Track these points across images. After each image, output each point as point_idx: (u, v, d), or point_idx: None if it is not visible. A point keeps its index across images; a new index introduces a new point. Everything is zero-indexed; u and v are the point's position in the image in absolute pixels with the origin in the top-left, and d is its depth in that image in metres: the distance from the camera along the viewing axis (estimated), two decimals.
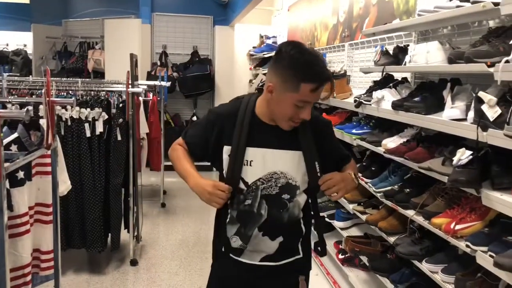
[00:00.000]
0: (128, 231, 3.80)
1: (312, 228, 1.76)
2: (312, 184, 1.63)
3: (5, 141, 2.07)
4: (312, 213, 1.76)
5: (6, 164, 1.74)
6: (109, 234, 3.70)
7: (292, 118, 1.56)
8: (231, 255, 1.68)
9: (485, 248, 1.66)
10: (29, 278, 2.26)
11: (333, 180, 1.59)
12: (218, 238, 1.74)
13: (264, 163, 1.60)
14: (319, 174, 1.62)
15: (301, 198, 1.66)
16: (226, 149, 1.63)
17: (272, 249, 1.65)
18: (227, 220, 1.66)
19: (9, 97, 2.41)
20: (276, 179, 1.61)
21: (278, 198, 1.61)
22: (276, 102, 1.55)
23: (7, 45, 8.67)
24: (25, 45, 8.57)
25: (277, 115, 1.59)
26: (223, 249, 1.70)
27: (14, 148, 2.14)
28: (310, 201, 1.71)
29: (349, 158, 1.81)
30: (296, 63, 1.48)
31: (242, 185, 1.62)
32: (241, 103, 1.66)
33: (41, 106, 3.05)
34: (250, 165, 1.61)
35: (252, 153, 1.61)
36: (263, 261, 1.66)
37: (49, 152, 2.28)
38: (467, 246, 1.72)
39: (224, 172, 1.64)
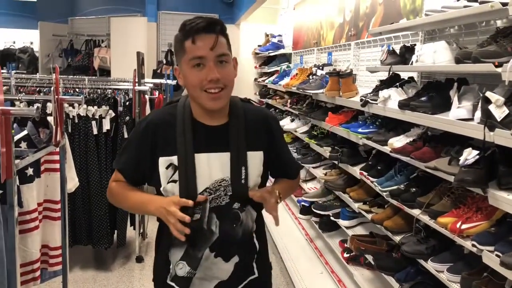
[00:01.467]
0: (134, 228, 3.82)
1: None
2: (236, 189, 1.42)
3: (15, 138, 2.10)
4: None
5: (16, 161, 1.76)
6: (115, 231, 3.73)
7: (202, 86, 1.36)
8: (175, 285, 1.45)
9: (491, 248, 1.66)
10: (38, 273, 2.29)
11: (261, 197, 1.43)
12: (159, 265, 1.52)
13: (210, 169, 1.41)
14: (243, 181, 1.41)
15: (254, 207, 1.49)
16: (163, 161, 1.42)
17: (226, 273, 1.45)
18: (171, 242, 1.44)
19: (18, 95, 2.43)
20: (225, 186, 1.42)
21: (228, 208, 1.42)
22: (184, 79, 1.41)
23: (14, 42, 8.73)
24: (31, 43, 8.62)
25: (192, 93, 1.40)
26: (167, 280, 1.48)
27: (23, 145, 2.17)
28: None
29: (295, 170, 1.67)
30: (180, 29, 1.41)
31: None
32: (176, 108, 1.47)
33: (48, 104, 3.08)
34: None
35: (196, 160, 1.41)
36: None
37: (57, 149, 2.30)
38: (473, 245, 1.73)
39: (161, 188, 1.43)
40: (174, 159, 1.41)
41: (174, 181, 1.41)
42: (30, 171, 2.17)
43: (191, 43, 1.36)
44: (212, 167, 1.41)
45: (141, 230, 4.02)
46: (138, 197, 1.50)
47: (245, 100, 1.59)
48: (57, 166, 2.41)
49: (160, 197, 1.43)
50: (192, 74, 1.37)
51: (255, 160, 1.46)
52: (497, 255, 1.60)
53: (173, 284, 1.46)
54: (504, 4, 1.64)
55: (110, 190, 1.56)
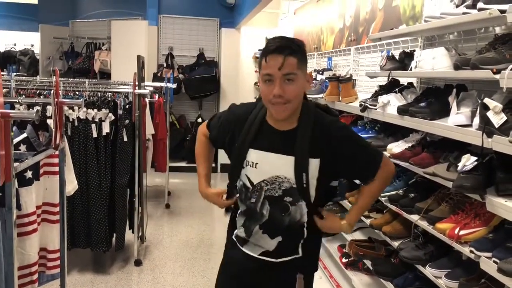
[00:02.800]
0: (133, 232, 3.82)
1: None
2: (300, 191, 1.63)
3: (15, 141, 2.10)
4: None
5: (15, 164, 1.76)
6: (114, 234, 3.72)
7: (269, 99, 1.57)
8: (237, 243, 1.78)
9: (489, 254, 1.66)
10: (35, 276, 2.29)
11: (321, 223, 1.71)
12: (231, 225, 1.83)
13: (269, 166, 1.65)
14: (304, 185, 1.61)
15: (306, 204, 1.68)
16: (233, 147, 1.72)
17: (271, 247, 1.71)
18: (239, 211, 1.76)
19: (18, 98, 2.43)
20: (280, 183, 1.64)
21: (280, 200, 1.65)
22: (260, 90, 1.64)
23: (15, 45, 8.75)
24: (32, 45, 8.64)
25: (264, 102, 1.63)
26: (233, 236, 1.80)
27: (23, 148, 2.17)
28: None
29: (374, 169, 1.68)
30: (266, 43, 1.60)
31: (248, 184, 1.69)
32: (256, 106, 1.73)
33: (48, 106, 3.08)
34: (256, 167, 1.66)
35: (257, 155, 1.66)
36: (262, 256, 1.72)
37: (57, 152, 2.30)
38: (471, 251, 1.73)
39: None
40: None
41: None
42: (29, 174, 2.17)
43: (264, 61, 1.56)
44: (272, 165, 1.65)
45: (140, 234, 4.01)
46: (200, 170, 1.91)
47: (322, 108, 1.76)
48: (56, 169, 2.41)
49: (206, 187, 1.85)
50: (263, 87, 1.59)
51: (312, 166, 1.62)
52: (494, 262, 1.60)
53: (235, 239, 1.79)
54: (503, 11, 1.65)
55: (198, 140, 1.93)
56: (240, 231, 1.75)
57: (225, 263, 1.88)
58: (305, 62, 1.61)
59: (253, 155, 1.66)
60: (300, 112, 1.66)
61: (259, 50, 7.24)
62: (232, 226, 1.82)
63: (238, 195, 1.73)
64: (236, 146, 1.70)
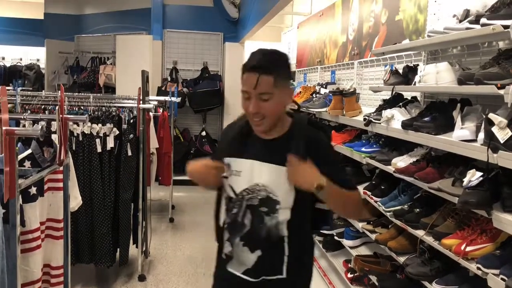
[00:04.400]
0: (137, 246, 3.80)
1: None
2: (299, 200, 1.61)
3: (19, 157, 2.10)
4: (310, 235, 1.77)
5: (20, 181, 1.77)
6: (118, 249, 3.71)
7: (247, 113, 1.60)
8: (223, 262, 1.72)
9: (496, 271, 1.64)
10: None
11: (301, 166, 1.53)
12: (218, 241, 1.78)
13: (251, 174, 1.64)
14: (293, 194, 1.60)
15: (283, 215, 1.62)
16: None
17: (250, 262, 1.64)
18: (225, 225, 1.73)
19: (24, 114, 2.44)
20: (258, 191, 1.63)
21: (257, 209, 1.63)
22: None
23: (21, 59, 8.84)
24: (38, 60, 8.73)
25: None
26: (222, 255, 1.74)
27: (27, 164, 2.17)
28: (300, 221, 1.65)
29: (349, 188, 1.65)
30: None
31: (231, 194, 1.68)
32: (242, 118, 1.74)
33: (53, 122, 3.10)
34: (239, 175, 1.65)
35: (241, 164, 1.66)
36: (244, 275, 1.66)
37: (61, 168, 2.31)
38: (478, 268, 1.71)
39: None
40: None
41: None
42: (33, 190, 2.16)
43: (242, 79, 1.57)
44: (254, 172, 1.63)
45: (144, 249, 4.00)
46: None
47: (315, 125, 1.74)
48: (61, 185, 2.41)
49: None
50: (243, 102, 1.60)
51: (281, 173, 1.59)
52: (502, 279, 1.58)
53: (224, 257, 1.73)
54: (506, 27, 1.65)
55: None
56: (226, 248, 1.71)
57: (214, 284, 1.85)
58: (285, 78, 1.60)
59: (237, 163, 1.66)
60: (291, 124, 1.66)
61: None
62: (219, 243, 1.77)
63: (225, 206, 1.72)
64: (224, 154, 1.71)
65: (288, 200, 1.62)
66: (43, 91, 5.22)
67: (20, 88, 5.56)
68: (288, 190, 1.60)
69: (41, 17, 8.73)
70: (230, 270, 1.69)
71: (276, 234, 1.63)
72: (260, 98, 1.54)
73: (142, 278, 3.74)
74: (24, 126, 3.04)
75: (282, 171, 1.58)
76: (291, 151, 1.57)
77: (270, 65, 1.54)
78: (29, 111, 3.52)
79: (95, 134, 3.45)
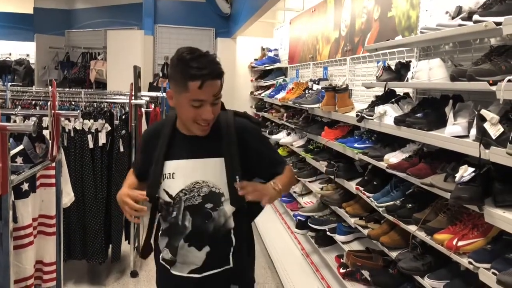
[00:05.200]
0: (129, 243, 3.80)
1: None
2: (233, 194, 1.61)
3: (11, 153, 2.08)
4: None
5: (12, 177, 1.76)
6: (110, 245, 3.70)
7: (195, 120, 1.56)
8: (165, 264, 1.71)
9: (487, 265, 1.66)
10: None
11: (252, 186, 1.55)
12: (155, 248, 1.78)
13: (186, 173, 1.63)
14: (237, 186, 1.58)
15: (228, 207, 1.65)
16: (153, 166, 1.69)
17: (199, 260, 1.65)
18: (160, 232, 1.72)
19: (15, 109, 2.43)
20: (199, 188, 1.62)
21: (201, 207, 1.62)
22: (177, 106, 1.59)
23: (10, 54, 8.75)
24: (27, 55, 8.65)
25: (183, 120, 1.61)
26: (160, 261, 1.73)
27: (19, 160, 2.16)
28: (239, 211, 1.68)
29: (281, 167, 1.75)
30: (183, 63, 1.51)
31: (167, 198, 1.65)
32: (166, 120, 1.73)
33: (45, 118, 3.07)
34: (173, 177, 1.64)
35: (173, 165, 1.64)
36: (191, 274, 1.66)
37: (53, 164, 2.29)
38: (470, 263, 1.73)
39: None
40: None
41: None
42: (25, 186, 2.15)
43: (198, 87, 1.48)
44: (188, 171, 1.62)
45: (136, 245, 3.98)
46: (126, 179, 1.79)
47: (241, 115, 1.76)
48: (53, 181, 2.40)
49: (124, 187, 1.67)
50: (189, 111, 1.54)
51: (218, 165, 1.63)
52: (493, 273, 1.60)
53: (163, 263, 1.71)
54: (498, 24, 1.66)
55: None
56: (165, 253, 1.69)
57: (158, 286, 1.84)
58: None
59: (170, 166, 1.65)
60: (218, 117, 1.64)
61: (254, 59, 7.28)
62: (156, 250, 1.76)
63: (160, 213, 1.71)
64: (153, 162, 1.66)
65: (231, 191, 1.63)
66: (33, 86, 5.15)
67: (10, 83, 5.50)
68: (227, 181, 1.61)
69: (31, 11, 8.64)
70: (175, 273, 1.69)
71: (224, 228, 1.65)
72: (214, 103, 1.54)
73: (134, 274, 3.73)
74: (15, 121, 3.02)
75: (218, 163, 1.62)
76: (224, 142, 1.62)
77: (221, 68, 1.53)
78: (19, 107, 3.48)
79: (86, 130, 3.43)
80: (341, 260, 3.23)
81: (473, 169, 1.77)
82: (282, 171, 1.74)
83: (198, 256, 1.65)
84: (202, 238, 1.64)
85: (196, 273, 1.66)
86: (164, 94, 5.37)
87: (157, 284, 1.85)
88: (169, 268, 1.69)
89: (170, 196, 1.65)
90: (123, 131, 3.60)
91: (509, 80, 1.56)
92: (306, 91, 4.14)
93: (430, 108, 2.20)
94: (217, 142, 1.63)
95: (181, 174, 1.63)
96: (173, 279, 1.69)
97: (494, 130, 1.62)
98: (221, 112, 1.67)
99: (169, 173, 1.64)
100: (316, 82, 4.11)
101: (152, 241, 1.79)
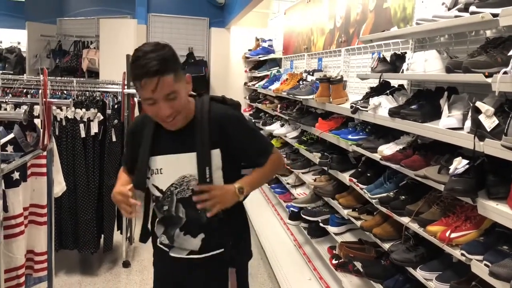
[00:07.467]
0: (121, 233, 3.78)
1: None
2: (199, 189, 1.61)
3: (1, 141, 2.06)
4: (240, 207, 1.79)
5: (2, 165, 1.73)
6: (102, 235, 3.68)
7: (157, 117, 1.58)
8: (163, 247, 1.79)
9: (480, 257, 1.67)
10: (22, 279, 2.25)
11: (209, 194, 1.58)
12: (152, 232, 1.83)
13: (174, 168, 1.67)
14: (208, 179, 1.61)
15: None
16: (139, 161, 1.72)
17: (196, 246, 1.72)
18: (157, 220, 1.79)
19: (6, 97, 2.39)
20: (187, 182, 1.66)
21: (191, 200, 1.63)
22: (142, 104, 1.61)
23: (1, 42, 8.62)
24: (19, 43, 8.51)
25: (155, 119, 1.63)
26: (158, 244, 1.82)
27: (10, 148, 2.13)
28: None
29: (262, 159, 1.75)
30: (130, 64, 1.54)
31: (157, 193, 1.71)
32: (148, 117, 1.69)
33: (36, 106, 3.04)
34: (161, 172, 1.68)
35: (160, 161, 1.68)
36: (190, 255, 1.74)
37: (44, 153, 2.26)
38: (462, 254, 1.73)
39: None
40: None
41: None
42: (16, 175, 2.13)
43: (142, 87, 1.50)
44: (177, 165, 1.65)
45: (128, 235, 3.97)
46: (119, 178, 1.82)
47: (218, 99, 1.76)
48: (44, 170, 2.37)
49: (119, 183, 1.72)
50: (147, 109, 1.56)
51: (215, 157, 1.64)
52: (486, 265, 1.61)
53: (161, 246, 1.80)
54: (495, 15, 1.65)
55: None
56: (162, 239, 1.77)
57: (157, 268, 1.92)
58: (178, 68, 1.56)
59: (156, 161, 1.68)
60: (194, 108, 1.67)
61: (248, 50, 7.24)
62: (153, 234, 1.83)
63: (154, 203, 1.75)
64: (139, 157, 1.69)
65: (219, 181, 1.66)
66: (25, 74, 5.09)
67: (1, 71, 5.43)
68: (215, 169, 1.63)
69: None
70: (173, 255, 1.76)
71: (217, 216, 1.65)
72: (167, 99, 1.52)
73: (126, 264, 3.72)
74: (5, 109, 2.98)
75: (194, 158, 1.63)
76: (197, 135, 1.62)
77: (166, 64, 1.49)
78: (10, 95, 3.44)
79: (78, 119, 3.40)
80: (334, 251, 3.24)
81: (467, 161, 1.76)
82: (264, 163, 1.75)
83: (194, 242, 1.72)
84: (197, 227, 1.70)
85: (195, 254, 1.73)
86: None
87: (154, 265, 1.92)
88: (167, 250, 1.76)
89: (160, 190, 1.70)
90: (116, 121, 3.57)
91: (505, 72, 1.55)
92: (300, 82, 4.13)
93: (425, 100, 2.19)
94: (197, 134, 1.64)
95: (169, 169, 1.67)
96: (172, 260, 1.76)
97: (489, 122, 1.62)
98: (196, 100, 1.70)
99: (157, 169, 1.68)
100: (311, 73, 4.10)
101: (149, 226, 1.83)
